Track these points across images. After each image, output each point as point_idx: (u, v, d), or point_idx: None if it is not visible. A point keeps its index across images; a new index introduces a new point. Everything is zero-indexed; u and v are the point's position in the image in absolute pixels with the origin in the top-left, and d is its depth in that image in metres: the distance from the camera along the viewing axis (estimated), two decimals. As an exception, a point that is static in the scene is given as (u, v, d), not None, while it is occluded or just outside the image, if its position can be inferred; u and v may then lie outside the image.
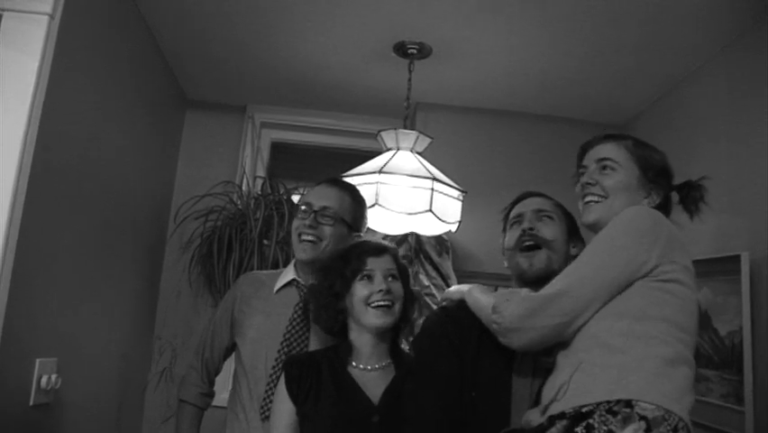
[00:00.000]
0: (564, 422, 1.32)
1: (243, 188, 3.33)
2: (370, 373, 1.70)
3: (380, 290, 1.67)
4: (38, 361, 1.95)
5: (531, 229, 1.68)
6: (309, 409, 1.64)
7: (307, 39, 2.75)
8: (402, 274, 1.75)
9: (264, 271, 2.30)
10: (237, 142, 3.53)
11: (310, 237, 1.97)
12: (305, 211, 2.00)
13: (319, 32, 2.68)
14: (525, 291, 1.52)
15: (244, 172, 3.44)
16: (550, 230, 1.69)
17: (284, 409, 1.68)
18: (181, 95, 3.44)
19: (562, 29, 2.52)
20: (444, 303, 1.79)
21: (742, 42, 2.44)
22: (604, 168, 1.59)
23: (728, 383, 2.21)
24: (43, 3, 1.85)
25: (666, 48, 2.59)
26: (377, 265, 1.71)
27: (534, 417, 1.46)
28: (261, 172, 3.54)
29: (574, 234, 1.74)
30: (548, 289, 1.46)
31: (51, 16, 1.86)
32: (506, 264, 1.77)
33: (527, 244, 1.67)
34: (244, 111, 3.55)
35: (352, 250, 1.76)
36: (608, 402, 1.29)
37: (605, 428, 1.26)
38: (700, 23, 2.39)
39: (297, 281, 2.04)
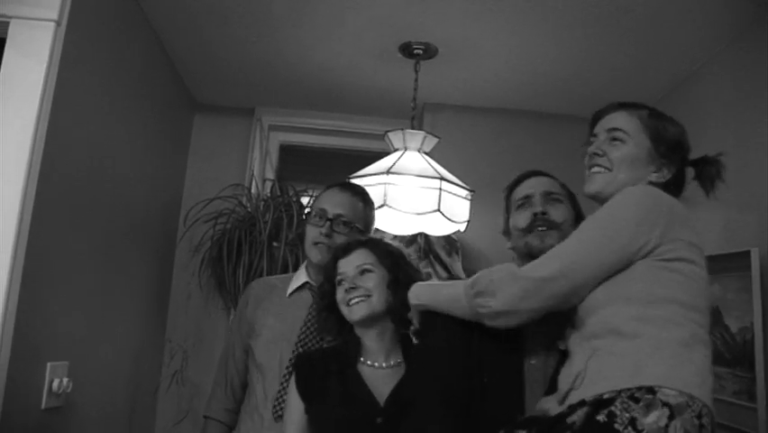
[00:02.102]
0: (586, 409, 1.28)
1: (252, 190, 3.34)
2: (380, 371, 1.69)
3: (347, 289, 1.70)
4: (49, 365, 1.96)
5: (543, 213, 1.66)
6: (316, 409, 1.65)
7: (314, 41, 2.76)
8: (385, 260, 1.74)
9: (275, 276, 2.32)
10: (246, 144, 3.54)
11: (325, 246, 1.98)
12: (320, 218, 2.01)
13: (325, 34, 2.69)
14: (509, 267, 1.46)
15: (253, 175, 3.45)
16: (560, 213, 1.67)
17: (294, 406, 1.69)
18: (189, 98, 3.45)
19: (567, 27, 2.51)
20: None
21: (745, 39, 2.42)
22: (614, 139, 1.54)
23: (740, 380, 2.20)
24: (50, 10, 1.87)
25: (670, 46, 2.58)
26: (346, 266, 1.74)
27: (551, 405, 1.42)
28: (270, 175, 3.55)
29: (580, 217, 1.70)
30: (541, 269, 1.40)
31: (58, 23, 1.88)
32: (509, 245, 1.75)
33: (540, 228, 1.65)
34: (252, 114, 3.56)
35: (329, 260, 1.82)
36: (629, 389, 1.25)
37: (627, 415, 1.22)
38: (702, 20, 2.38)
39: (310, 284, 2.05)
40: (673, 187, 1.52)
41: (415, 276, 1.76)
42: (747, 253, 2.18)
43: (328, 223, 1.99)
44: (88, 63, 2.10)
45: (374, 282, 1.71)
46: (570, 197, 1.74)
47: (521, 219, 1.69)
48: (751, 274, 2.16)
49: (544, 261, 1.42)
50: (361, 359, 1.71)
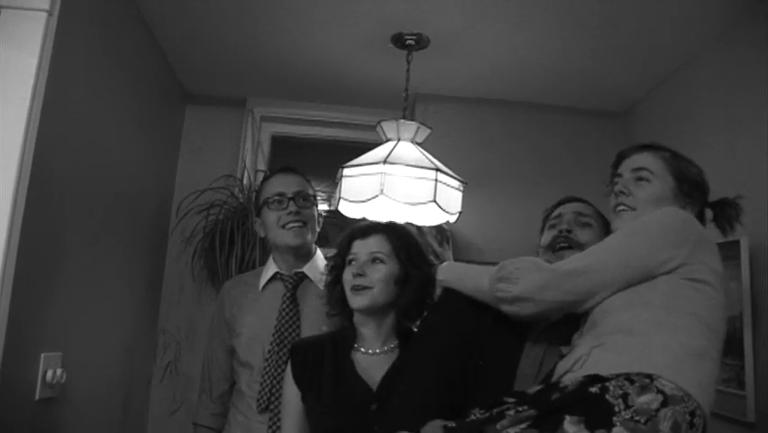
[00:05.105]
0: (580, 379, 1.28)
1: (244, 181, 3.34)
2: (374, 357, 1.69)
3: (354, 273, 1.67)
4: (43, 355, 1.96)
5: (569, 231, 1.70)
6: (312, 398, 1.65)
7: (306, 32, 2.75)
8: (400, 253, 1.70)
9: (247, 273, 2.34)
10: (237, 135, 3.53)
11: (297, 223, 2.00)
12: (280, 201, 2.03)
13: (317, 24, 2.68)
14: (535, 259, 1.49)
15: (245, 166, 3.44)
16: (586, 235, 1.71)
17: (292, 394, 1.68)
18: (181, 89, 3.44)
19: (558, 18, 2.51)
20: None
21: (735, 32, 2.44)
22: (639, 178, 1.58)
23: (730, 369, 2.22)
24: (41, -1, 1.86)
25: (663, 36, 2.59)
26: (360, 248, 1.71)
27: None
28: (262, 166, 3.55)
29: None
30: (566, 264, 1.46)
31: (49, 12, 1.86)
32: None
33: (561, 245, 1.68)
34: (244, 105, 3.55)
35: (344, 236, 1.78)
36: (628, 373, 1.25)
37: (620, 391, 1.22)
38: (693, 13, 2.39)
39: (281, 274, 2.07)
40: None
41: (427, 272, 1.72)
42: (737, 243, 2.20)
43: (291, 201, 2.01)
44: (80, 53, 2.09)
45: (381, 275, 1.67)
46: (602, 222, 1.77)
47: (547, 237, 1.75)
48: (740, 264, 2.18)
49: (571, 259, 1.49)
50: (356, 345, 1.70)
